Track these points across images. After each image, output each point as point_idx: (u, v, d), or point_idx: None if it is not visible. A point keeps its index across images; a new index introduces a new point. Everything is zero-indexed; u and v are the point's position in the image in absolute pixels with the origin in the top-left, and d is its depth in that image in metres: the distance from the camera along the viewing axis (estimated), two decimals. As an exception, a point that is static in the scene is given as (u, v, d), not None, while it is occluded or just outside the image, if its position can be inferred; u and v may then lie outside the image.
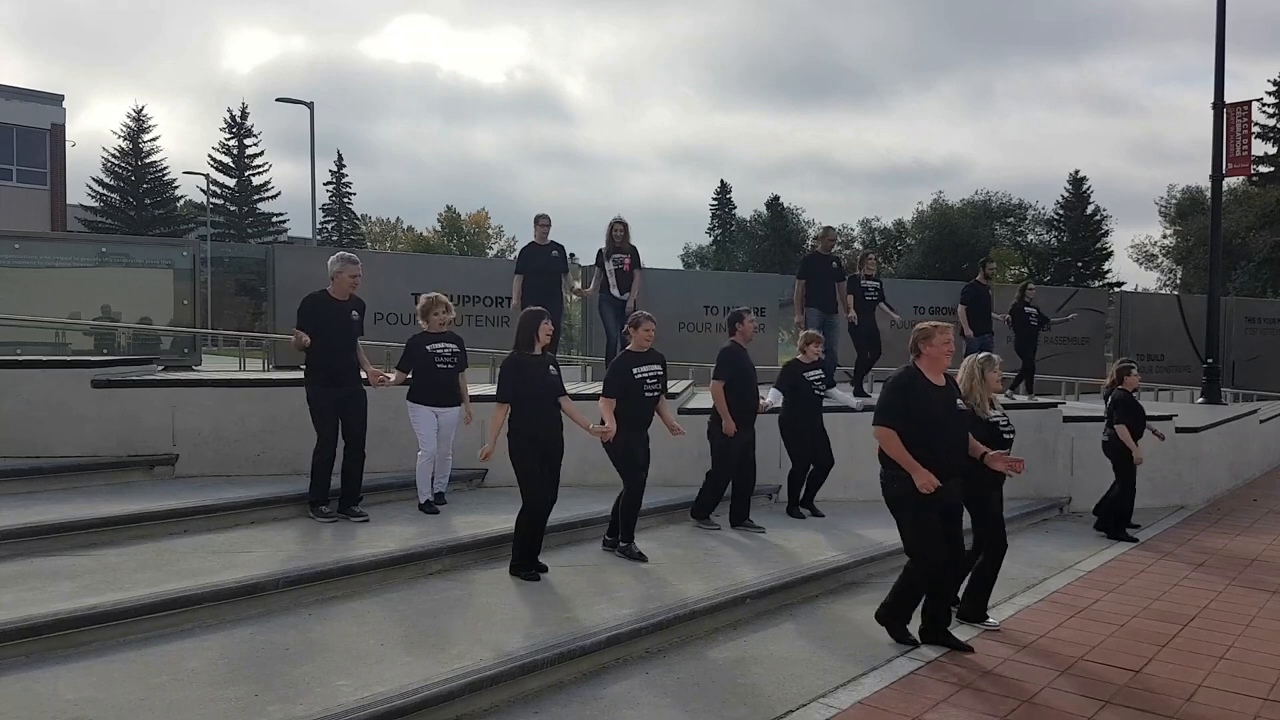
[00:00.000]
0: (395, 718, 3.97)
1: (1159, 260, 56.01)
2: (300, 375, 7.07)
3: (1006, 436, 5.75)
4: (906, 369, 5.29)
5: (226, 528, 6.38)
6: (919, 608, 5.43)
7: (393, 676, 4.26)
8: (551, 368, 6.00)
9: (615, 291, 9.62)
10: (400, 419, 7.21)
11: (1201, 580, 7.28)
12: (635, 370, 6.41)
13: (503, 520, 6.72)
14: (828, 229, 11.25)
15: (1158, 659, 5.40)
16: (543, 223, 9.62)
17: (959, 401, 5.32)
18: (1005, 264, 54.20)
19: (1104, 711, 4.61)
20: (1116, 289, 43.15)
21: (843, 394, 8.84)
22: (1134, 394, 8.55)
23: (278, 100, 30.65)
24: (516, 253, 10.12)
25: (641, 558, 6.30)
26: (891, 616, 5.46)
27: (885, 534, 7.47)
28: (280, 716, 3.86)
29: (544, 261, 9.44)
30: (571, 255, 9.60)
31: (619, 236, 9.60)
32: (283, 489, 7.00)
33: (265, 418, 7.74)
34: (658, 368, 6.54)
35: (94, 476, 7.10)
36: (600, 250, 9.76)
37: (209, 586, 5.07)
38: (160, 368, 9.11)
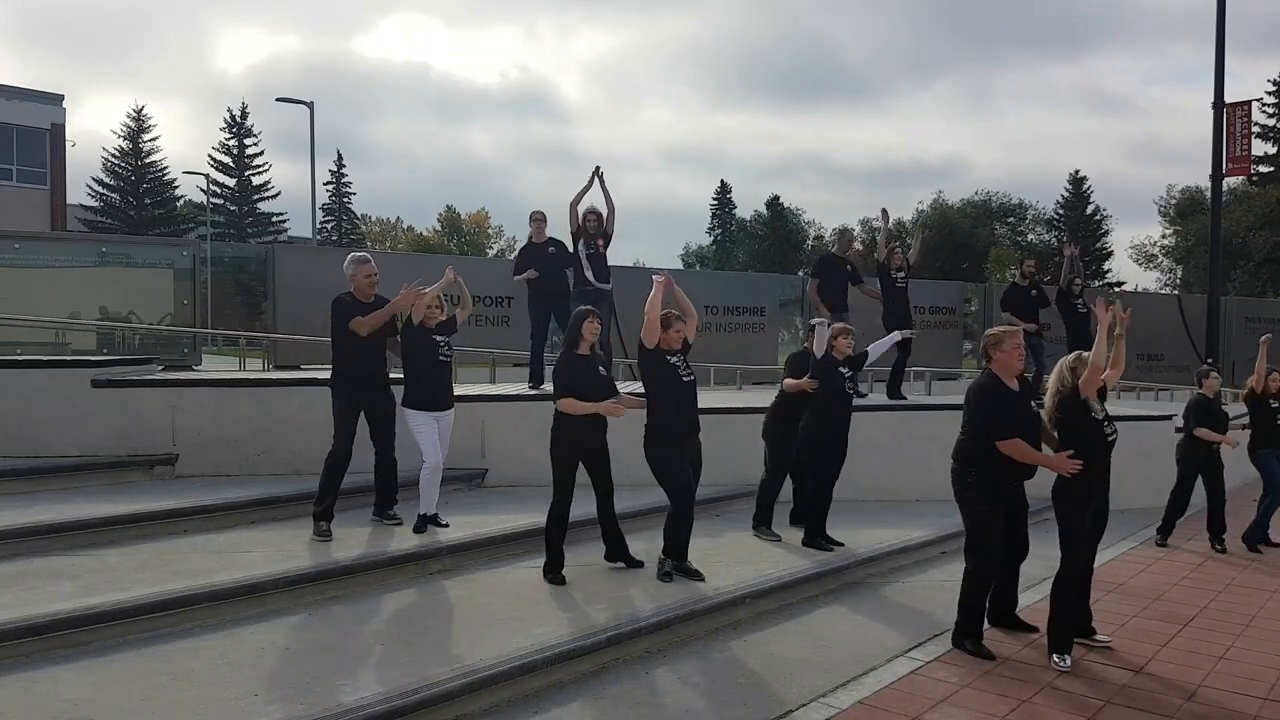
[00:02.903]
0: (395, 718, 3.97)
1: (1159, 260, 56.02)
2: (300, 375, 7.06)
3: (1111, 439, 5.33)
4: (987, 376, 5.33)
5: (226, 528, 6.38)
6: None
7: (393, 676, 4.26)
8: (601, 368, 5.97)
9: (591, 279, 8.94)
10: (400, 417, 7.16)
11: (1201, 580, 7.28)
12: (673, 361, 5.98)
13: (503, 520, 6.73)
14: (844, 231, 11.16)
15: (1157, 659, 5.40)
16: (537, 219, 9.25)
17: (1034, 404, 5.31)
18: (1005, 264, 54.23)
19: (1104, 711, 4.61)
20: (1116, 289, 43.15)
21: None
22: (1213, 397, 8.39)
23: (278, 100, 30.66)
24: (515, 253, 9.79)
25: (698, 576, 5.86)
26: (963, 634, 5.36)
27: (886, 534, 7.49)
28: (280, 716, 3.86)
29: (543, 259, 9.29)
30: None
31: (592, 225, 9.02)
32: (283, 489, 7.01)
33: (265, 418, 7.74)
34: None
35: (94, 476, 7.10)
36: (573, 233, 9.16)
37: (209, 586, 5.08)
38: (160, 367, 9.12)
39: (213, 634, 4.79)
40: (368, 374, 6.44)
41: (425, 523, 6.47)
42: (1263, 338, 8.70)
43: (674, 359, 5.98)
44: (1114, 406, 13.16)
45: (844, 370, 7.08)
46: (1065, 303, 11.46)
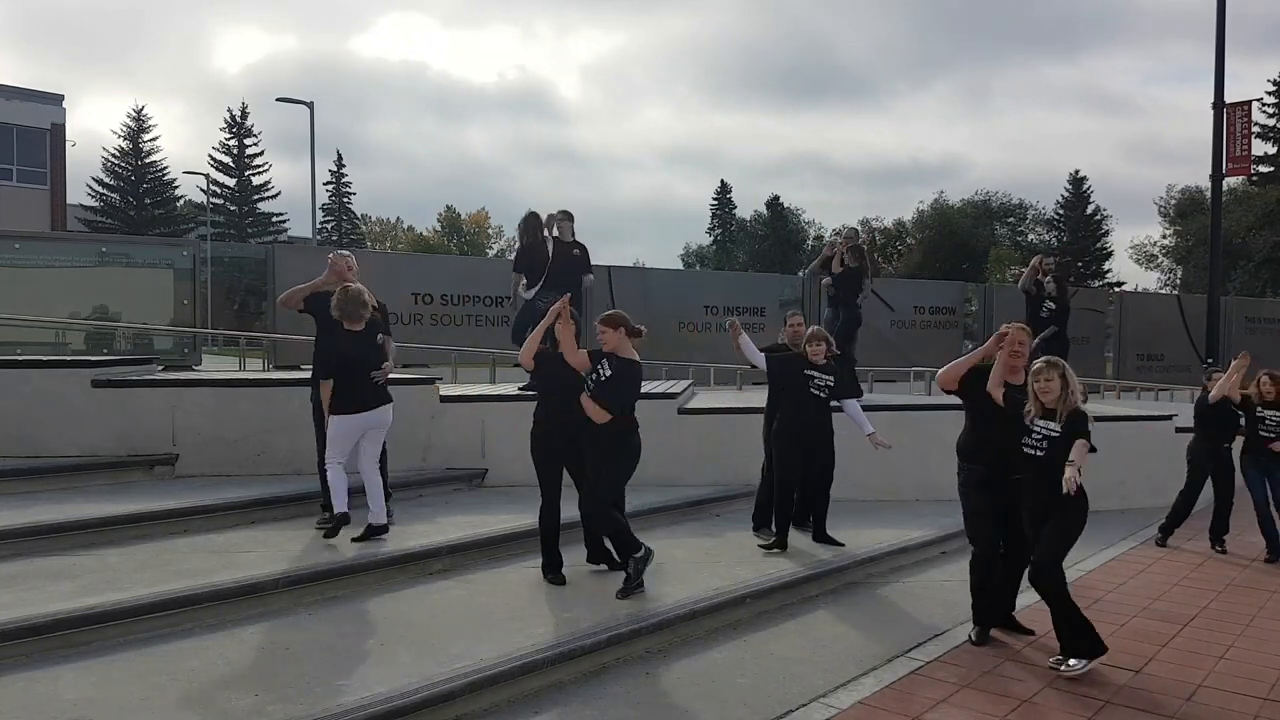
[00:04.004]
0: (395, 718, 3.97)
1: (1159, 260, 56.07)
2: (300, 375, 7.04)
3: (1027, 451, 5.05)
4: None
5: (226, 528, 6.38)
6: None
7: (393, 676, 4.26)
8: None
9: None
10: (399, 417, 7.15)
11: (1201, 580, 7.28)
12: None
13: (503, 520, 6.73)
14: (847, 230, 11.24)
15: (1158, 659, 5.40)
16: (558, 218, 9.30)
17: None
18: (1005, 264, 54.23)
19: (1104, 711, 4.62)
20: (1116, 289, 43.14)
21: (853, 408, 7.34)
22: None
23: (278, 100, 30.70)
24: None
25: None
26: (973, 621, 5.60)
27: (885, 534, 7.49)
28: (280, 716, 3.86)
29: (565, 257, 9.18)
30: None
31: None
32: (283, 489, 7.00)
33: (265, 418, 7.73)
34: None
35: (94, 476, 7.10)
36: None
37: (209, 586, 5.08)
38: (160, 368, 9.11)
39: (213, 634, 4.78)
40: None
41: (337, 526, 6.04)
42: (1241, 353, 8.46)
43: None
44: (1114, 406, 13.04)
45: (812, 373, 6.85)
46: (1033, 305, 11.00)
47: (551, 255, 9.10)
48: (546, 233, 9.24)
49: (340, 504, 6.06)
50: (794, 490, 7.00)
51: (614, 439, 5.66)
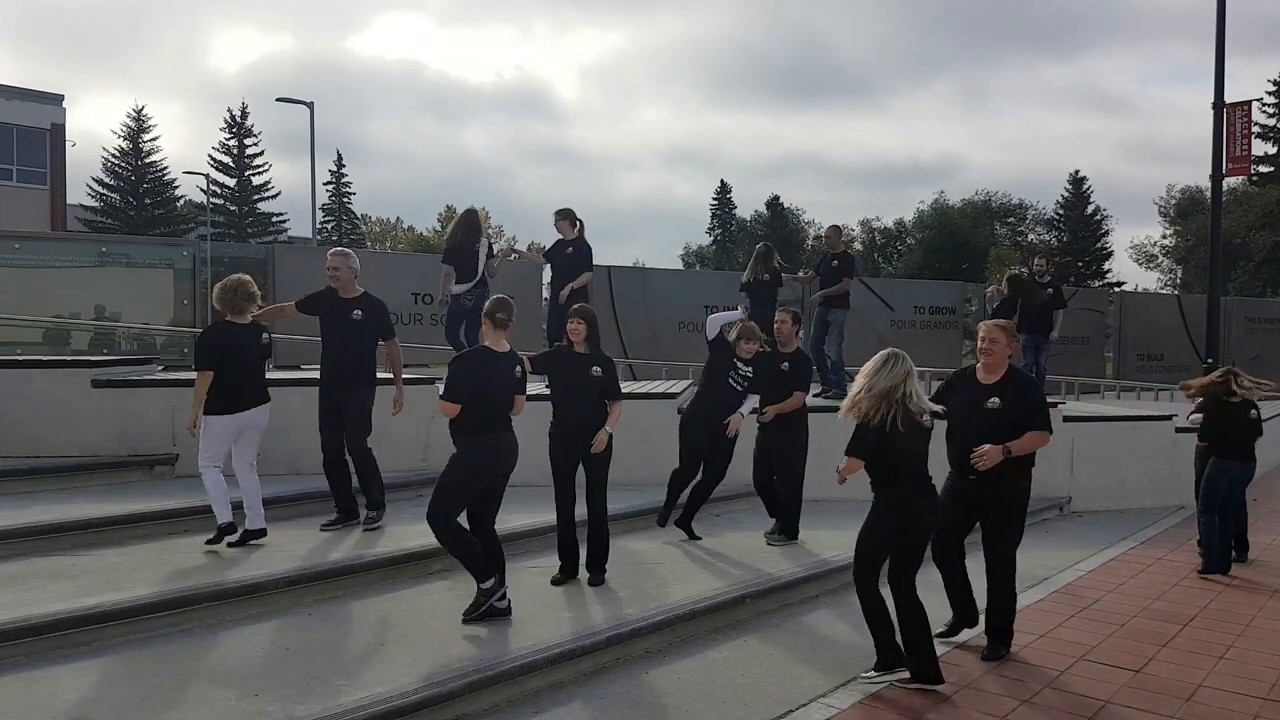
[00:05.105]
0: (395, 718, 3.97)
1: (1159, 260, 56.07)
2: (300, 375, 7.05)
3: (931, 431, 5.05)
4: (969, 365, 5.61)
5: (227, 528, 6.38)
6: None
7: (393, 676, 4.26)
8: (518, 367, 5.45)
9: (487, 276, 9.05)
10: (398, 416, 7.14)
11: (1201, 580, 7.28)
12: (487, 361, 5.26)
13: (502, 520, 6.68)
14: (833, 228, 11.37)
15: (1158, 659, 5.40)
16: (554, 216, 9.35)
17: (994, 400, 5.24)
18: (1005, 264, 54.24)
19: (1104, 712, 4.62)
20: (1116, 289, 43.14)
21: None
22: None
23: (278, 100, 30.67)
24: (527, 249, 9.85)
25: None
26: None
27: (885, 534, 7.48)
28: (280, 716, 3.86)
29: (558, 256, 9.28)
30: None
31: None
32: (283, 489, 7.00)
33: (265, 418, 7.72)
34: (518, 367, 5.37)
35: (94, 476, 7.11)
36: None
37: (209, 586, 5.08)
38: (160, 368, 9.12)
39: (213, 634, 4.79)
40: (326, 371, 6.47)
41: (220, 535, 5.81)
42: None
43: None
44: (1114, 406, 13.05)
45: (738, 360, 6.92)
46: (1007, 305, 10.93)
47: (483, 261, 8.86)
48: (485, 240, 9.02)
49: (224, 514, 5.81)
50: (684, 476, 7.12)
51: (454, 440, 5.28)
